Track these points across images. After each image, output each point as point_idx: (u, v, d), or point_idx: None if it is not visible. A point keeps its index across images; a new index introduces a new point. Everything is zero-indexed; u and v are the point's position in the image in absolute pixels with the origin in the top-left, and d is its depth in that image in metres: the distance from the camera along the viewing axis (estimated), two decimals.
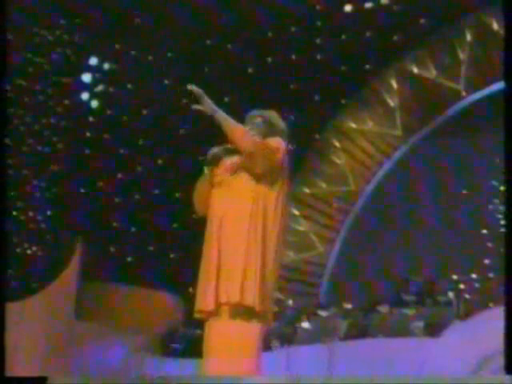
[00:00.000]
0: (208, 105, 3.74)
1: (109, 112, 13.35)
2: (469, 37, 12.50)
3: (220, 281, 3.68)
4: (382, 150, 13.47)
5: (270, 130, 3.88)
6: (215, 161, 3.84)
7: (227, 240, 3.73)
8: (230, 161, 3.85)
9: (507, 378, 3.23)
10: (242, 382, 3.44)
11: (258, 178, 3.73)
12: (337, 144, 13.60)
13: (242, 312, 3.65)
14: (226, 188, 3.80)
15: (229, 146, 3.80)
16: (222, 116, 3.75)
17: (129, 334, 10.22)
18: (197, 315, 3.79)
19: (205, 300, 3.69)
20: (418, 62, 12.94)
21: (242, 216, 3.73)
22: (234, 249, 3.69)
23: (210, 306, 3.67)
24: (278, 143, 3.75)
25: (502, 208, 10.77)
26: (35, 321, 9.28)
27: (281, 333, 9.72)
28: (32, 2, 11.28)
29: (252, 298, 3.64)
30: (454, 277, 10.34)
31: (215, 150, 3.85)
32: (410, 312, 9.47)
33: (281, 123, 3.94)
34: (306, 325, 9.93)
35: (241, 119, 4.05)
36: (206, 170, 3.84)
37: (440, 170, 12.42)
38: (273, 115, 3.96)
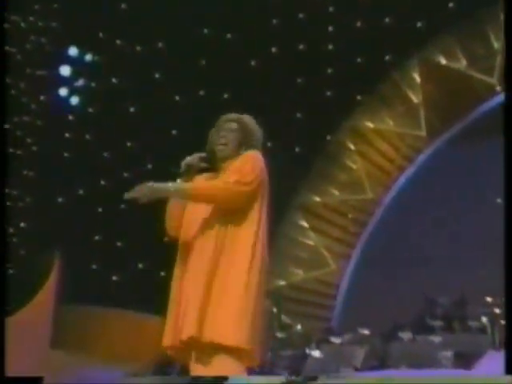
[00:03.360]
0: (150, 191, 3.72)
1: (91, 110, 13.30)
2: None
3: (204, 313, 3.66)
4: (403, 153, 13.51)
5: (245, 137, 3.93)
6: (191, 172, 3.87)
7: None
8: (204, 176, 3.92)
9: (507, 377, 3.27)
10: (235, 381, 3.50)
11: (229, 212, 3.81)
12: (351, 146, 13.62)
13: (226, 351, 3.64)
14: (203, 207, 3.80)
15: (203, 154, 3.90)
16: (178, 187, 3.79)
17: (116, 365, 10.11)
18: (169, 346, 3.76)
19: (182, 332, 3.67)
20: (445, 51, 12.91)
21: (233, 245, 3.74)
22: (225, 283, 3.68)
23: (186, 336, 3.63)
24: (252, 172, 3.78)
25: None
26: (4, 351, 9.11)
27: (288, 362, 9.75)
28: None
29: (246, 340, 3.62)
30: (488, 299, 10.22)
31: (189, 159, 3.87)
32: (436, 339, 9.44)
33: (257, 131, 3.98)
34: (316, 353, 9.88)
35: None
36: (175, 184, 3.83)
37: (471, 176, 12.33)
38: (249, 121, 3.99)
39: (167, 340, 3.73)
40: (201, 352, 3.66)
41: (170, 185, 3.75)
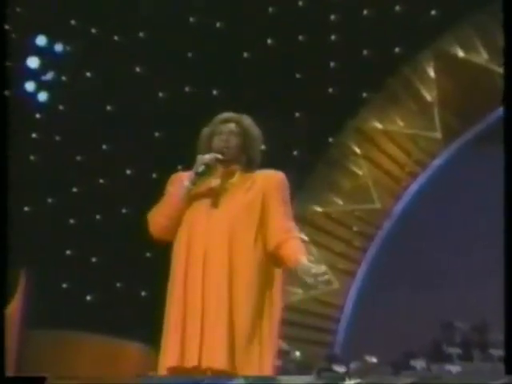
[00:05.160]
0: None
1: (61, 107, 13.14)
2: None
3: (207, 338, 3.79)
4: (415, 157, 13.46)
5: (245, 142, 4.12)
6: (205, 173, 4.01)
7: (222, 284, 3.85)
8: (214, 180, 4.08)
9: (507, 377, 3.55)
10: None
11: None
12: (357, 150, 13.58)
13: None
14: (213, 210, 3.98)
15: (219, 155, 4.02)
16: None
17: None
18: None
19: (185, 355, 3.81)
20: (463, 42, 12.88)
21: (244, 258, 3.92)
22: (243, 301, 3.87)
23: (192, 363, 3.79)
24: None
25: None
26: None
27: None
28: None
29: (269, 369, 3.90)
30: None
31: (208, 159, 4.00)
32: (453, 369, 9.41)
33: (258, 135, 4.18)
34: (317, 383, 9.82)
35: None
36: (188, 182, 3.97)
37: (493, 184, 12.20)
38: (249, 124, 4.18)
39: (172, 361, 3.78)
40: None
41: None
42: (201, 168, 3.94)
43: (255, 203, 3.96)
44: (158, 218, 4.01)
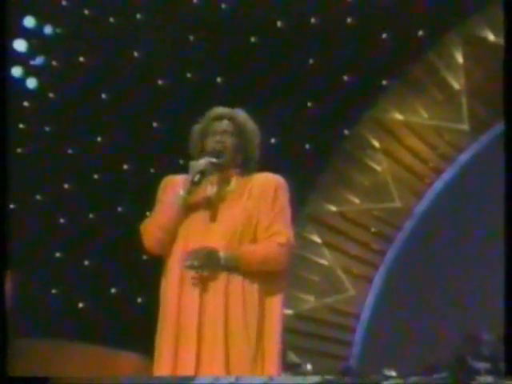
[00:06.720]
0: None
1: (52, 95, 13.13)
2: None
3: (205, 350, 3.85)
4: (440, 151, 13.38)
5: (241, 141, 4.17)
6: (202, 180, 4.07)
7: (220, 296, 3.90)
8: (210, 188, 4.14)
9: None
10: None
11: None
12: (375, 143, 13.50)
13: None
14: (210, 224, 4.04)
15: (214, 159, 4.08)
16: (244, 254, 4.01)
17: None
18: None
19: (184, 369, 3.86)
20: (493, 25, 12.67)
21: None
22: (239, 313, 3.88)
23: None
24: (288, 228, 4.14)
25: None
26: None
27: None
28: None
29: None
30: None
31: (203, 165, 4.05)
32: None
33: (255, 133, 4.23)
34: None
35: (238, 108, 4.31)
36: (182, 192, 4.02)
37: None
38: (245, 120, 4.22)
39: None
40: None
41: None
42: (197, 177, 3.98)
43: (253, 214, 4.01)
44: (151, 230, 4.05)
